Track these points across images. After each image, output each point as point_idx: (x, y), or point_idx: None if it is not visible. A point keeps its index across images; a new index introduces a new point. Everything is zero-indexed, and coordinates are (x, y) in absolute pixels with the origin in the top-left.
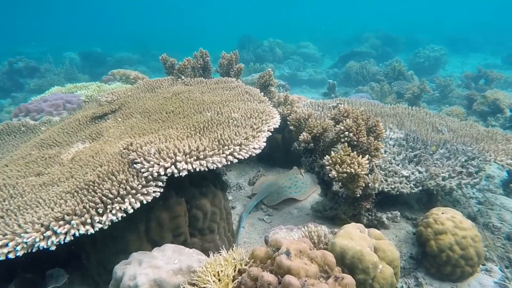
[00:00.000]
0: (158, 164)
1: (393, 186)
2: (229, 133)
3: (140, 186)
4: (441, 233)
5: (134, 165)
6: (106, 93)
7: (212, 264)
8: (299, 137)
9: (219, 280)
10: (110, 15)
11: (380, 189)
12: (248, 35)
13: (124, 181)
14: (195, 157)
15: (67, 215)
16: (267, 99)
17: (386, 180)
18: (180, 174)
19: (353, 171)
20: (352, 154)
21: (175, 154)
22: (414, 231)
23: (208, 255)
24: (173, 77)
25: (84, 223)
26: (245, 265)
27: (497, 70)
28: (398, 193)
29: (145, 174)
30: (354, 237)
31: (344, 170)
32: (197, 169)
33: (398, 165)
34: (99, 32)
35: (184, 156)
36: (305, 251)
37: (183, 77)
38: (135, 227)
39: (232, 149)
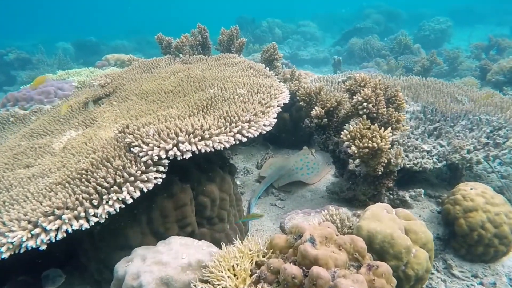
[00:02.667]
0: (158, 147)
1: (415, 162)
2: (235, 110)
3: (139, 172)
4: (471, 210)
5: (132, 149)
6: (99, 76)
7: (226, 258)
8: (311, 112)
9: (235, 275)
10: (103, 3)
11: (402, 165)
12: (245, 17)
13: (121, 168)
14: (199, 137)
15: (58, 209)
16: (273, 74)
17: (407, 156)
18: (184, 156)
19: (375, 145)
20: (373, 126)
21: (176, 135)
22: (439, 210)
23: (219, 247)
24: (170, 56)
25: (77, 217)
26: (263, 256)
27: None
28: (421, 169)
29: (144, 159)
30: (383, 218)
31: (365, 145)
32: (203, 151)
33: (417, 139)
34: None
35: (187, 136)
36: (331, 237)
37: (181, 55)
38: (136, 219)
39: (240, 127)
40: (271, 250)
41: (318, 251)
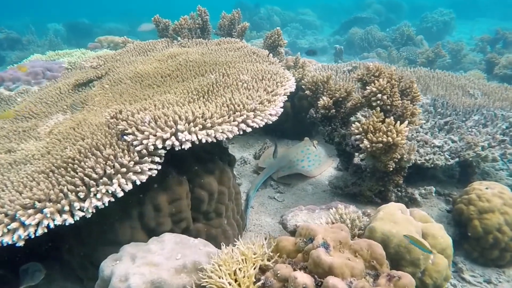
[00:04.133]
0: (155, 135)
1: (427, 158)
2: (240, 97)
3: (132, 163)
4: (487, 211)
5: (124, 137)
6: (91, 57)
7: (227, 261)
8: (318, 102)
9: (236, 280)
10: None
11: (413, 161)
12: (243, 2)
13: (112, 157)
14: (200, 126)
15: (39, 202)
16: (278, 61)
17: (417, 152)
18: (183, 147)
19: (390, 140)
20: (388, 120)
21: (175, 123)
22: (449, 209)
23: (215, 243)
24: (168, 39)
25: (60, 211)
26: (268, 260)
27: None
28: (432, 165)
29: (138, 148)
30: (398, 220)
31: (379, 139)
32: (204, 141)
33: (426, 133)
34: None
35: (187, 124)
36: (346, 242)
37: (179, 38)
38: (127, 213)
39: (245, 116)
40: (278, 254)
41: (333, 258)
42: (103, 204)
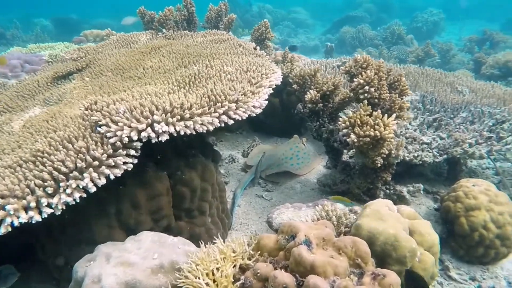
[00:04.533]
0: (129, 126)
1: (415, 154)
2: (222, 88)
3: (105, 156)
4: (473, 209)
5: (98, 128)
6: (72, 49)
7: (204, 260)
8: (305, 96)
9: (214, 281)
10: None
11: (401, 157)
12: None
13: (84, 150)
14: (178, 117)
15: (2, 198)
16: (265, 54)
17: (406, 148)
18: (160, 139)
19: (377, 134)
20: (375, 113)
21: (152, 113)
22: (437, 206)
23: (198, 243)
24: (152, 31)
25: (26, 208)
26: (249, 259)
27: None
28: (420, 162)
29: (112, 140)
30: (385, 217)
31: (366, 133)
32: (182, 133)
33: (415, 130)
34: None
35: (164, 115)
36: (329, 239)
37: (164, 30)
38: (103, 210)
39: (226, 107)
40: (259, 252)
41: (315, 256)
42: (74, 200)
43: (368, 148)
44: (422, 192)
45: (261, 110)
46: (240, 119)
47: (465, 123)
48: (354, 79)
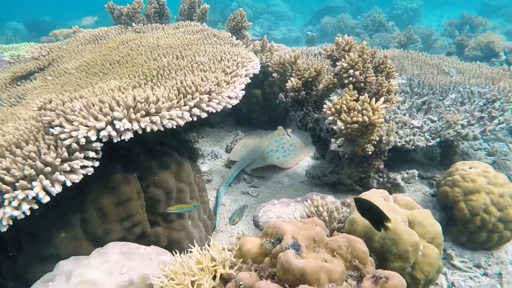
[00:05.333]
0: (86, 125)
1: (407, 139)
2: (193, 79)
3: (59, 160)
4: (472, 192)
5: (51, 129)
6: (33, 48)
7: (178, 274)
8: (286, 85)
9: None
10: None
11: (393, 143)
12: None
13: (34, 155)
14: (143, 112)
15: None
16: (242, 44)
17: (397, 133)
18: (122, 138)
19: (366, 119)
20: (362, 97)
21: (112, 109)
22: (433, 192)
23: (179, 249)
24: (121, 26)
25: None
26: (231, 267)
27: None
28: (413, 147)
29: (66, 142)
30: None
31: (354, 119)
32: (148, 129)
33: (404, 115)
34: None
35: (125, 111)
36: (321, 240)
37: (134, 24)
38: (66, 221)
39: (198, 99)
40: (241, 260)
41: (305, 262)
42: (23, 213)
43: (357, 135)
44: (417, 178)
45: (238, 101)
46: (214, 111)
47: (455, 105)
48: (337, 63)
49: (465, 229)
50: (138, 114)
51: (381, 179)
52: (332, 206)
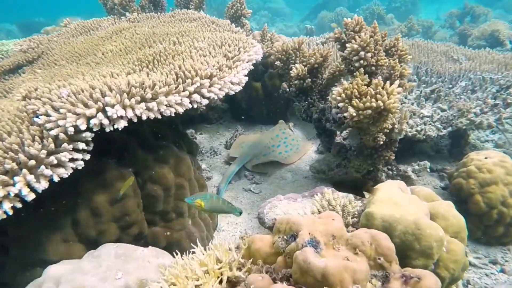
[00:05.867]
0: (75, 113)
1: (418, 129)
2: (192, 63)
3: (45, 152)
4: (489, 184)
5: (35, 119)
6: (22, 40)
7: (179, 278)
8: (291, 72)
9: None
10: None
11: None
12: None
13: (16, 147)
14: (138, 98)
15: None
16: (242, 31)
17: (407, 123)
18: (116, 126)
19: (380, 104)
20: (375, 81)
21: (103, 95)
22: (444, 185)
23: (179, 249)
24: (115, 17)
25: None
26: (239, 269)
27: None
28: (424, 137)
29: (53, 132)
30: (401, 201)
31: (367, 104)
32: (144, 117)
33: (412, 104)
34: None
35: (118, 96)
36: (341, 235)
37: (127, 14)
38: (56, 222)
39: (198, 84)
40: (251, 260)
41: (326, 261)
42: (5, 213)
43: (369, 123)
44: (428, 170)
45: (241, 88)
46: (216, 98)
47: (465, 92)
48: (347, 45)
49: (481, 223)
50: (133, 100)
51: (391, 172)
52: (345, 200)
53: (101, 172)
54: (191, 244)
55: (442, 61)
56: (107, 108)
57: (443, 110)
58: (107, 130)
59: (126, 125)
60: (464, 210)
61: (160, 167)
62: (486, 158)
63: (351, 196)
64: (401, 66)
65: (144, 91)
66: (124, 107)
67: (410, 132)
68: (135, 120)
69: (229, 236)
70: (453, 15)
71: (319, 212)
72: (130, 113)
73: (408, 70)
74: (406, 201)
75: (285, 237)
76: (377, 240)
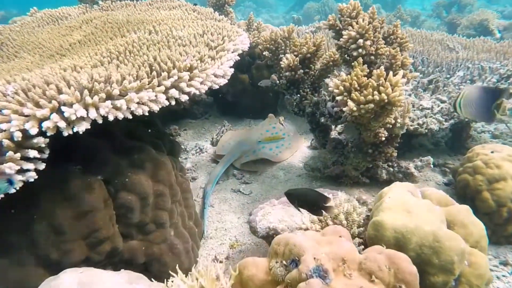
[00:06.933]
0: (23, 114)
1: (420, 122)
2: (169, 54)
3: None
4: (497, 180)
5: None
6: None
7: None
8: (281, 63)
9: None
10: None
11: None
12: None
13: None
14: (103, 95)
15: None
16: (227, 20)
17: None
18: (76, 129)
19: (384, 97)
20: (376, 71)
21: (60, 92)
22: (447, 181)
23: (160, 266)
24: (86, 5)
25: None
26: None
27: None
28: (426, 131)
29: None
30: (413, 207)
31: (369, 98)
32: (111, 117)
33: (410, 95)
34: None
35: (78, 94)
36: (352, 258)
37: (100, 1)
38: (7, 242)
39: (176, 77)
40: None
41: None
42: None
43: (369, 118)
44: (432, 166)
45: (226, 81)
46: (198, 93)
47: (464, 82)
48: (343, 33)
49: (490, 222)
50: (96, 98)
51: (391, 169)
52: (348, 206)
53: (64, 182)
54: (174, 257)
55: (438, 50)
56: (63, 108)
57: (443, 102)
58: (65, 134)
59: (89, 127)
60: (470, 208)
61: (136, 173)
62: (492, 152)
63: (354, 201)
64: (401, 55)
65: (111, 86)
66: (86, 106)
67: (411, 126)
68: (100, 121)
69: (217, 244)
70: (440, 5)
71: (320, 221)
72: (93, 114)
73: (410, 59)
74: (420, 207)
75: (284, 262)
76: (396, 264)
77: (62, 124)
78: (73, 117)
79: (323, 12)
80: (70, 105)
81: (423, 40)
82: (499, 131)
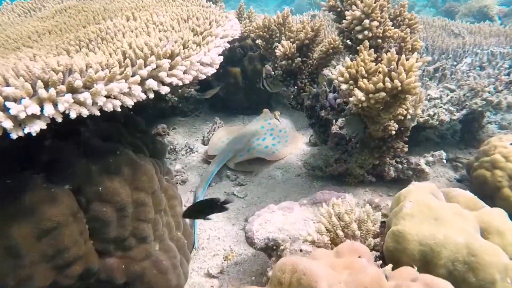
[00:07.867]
0: None
1: (430, 113)
2: (146, 40)
3: None
4: None
5: None
6: None
7: None
8: (276, 51)
9: None
10: None
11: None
12: None
13: None
14: (62, 87)
15: None
16: (215, 7)
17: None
18: (28, 131)
19: (398, 84)
20: (387, 55)
21: (6, 83)
22: (459, 177)
23: (142, 285)
24: None
25: None
26: None
27: None
28: (437, 122)
29: None
30: (440, 213)
31: (380, 85)
32: (73, 115)
33: None
34: None
35: (29, 86)
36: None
37: None
38: None
39: (153, 66)
40: None
41: None
42: None
43: (379, 109)
44: (445, 161)
45: (214, 70)
46: (181, 83)
47: (473, 69)
48: (346, 13)
49: None
50: (52, 90)
51: (400, 166)
52: (361, 213)
53: (21, 193)
54: (160, 275)
55: (443, 36)
56: (9, 104)
57: (452, 91)
58: (14, 136)
59: (44, 127)
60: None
61: (110, 180)
62: (511, 144)
63: (367, 205)
64: (410, 37)
65: (73, 77)
66: (40, 102)
67: (421, 117)
68: (59, 120)
69: (210, 256)
70: None
71: (328, 231)
72: (49, 110)
73: (420, 42)
74: (449, 213)
75: None
76: None
77: (7, 124)
78: (23, 115)
79: (315, 5)
80: (18, 99)
81: (426, 26)
82: (507, 121)
